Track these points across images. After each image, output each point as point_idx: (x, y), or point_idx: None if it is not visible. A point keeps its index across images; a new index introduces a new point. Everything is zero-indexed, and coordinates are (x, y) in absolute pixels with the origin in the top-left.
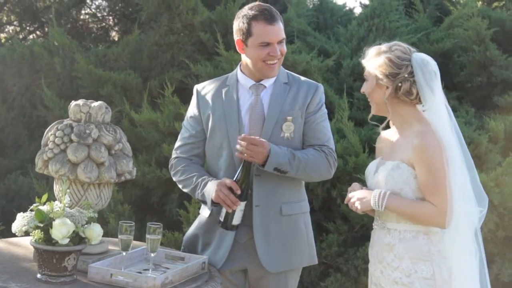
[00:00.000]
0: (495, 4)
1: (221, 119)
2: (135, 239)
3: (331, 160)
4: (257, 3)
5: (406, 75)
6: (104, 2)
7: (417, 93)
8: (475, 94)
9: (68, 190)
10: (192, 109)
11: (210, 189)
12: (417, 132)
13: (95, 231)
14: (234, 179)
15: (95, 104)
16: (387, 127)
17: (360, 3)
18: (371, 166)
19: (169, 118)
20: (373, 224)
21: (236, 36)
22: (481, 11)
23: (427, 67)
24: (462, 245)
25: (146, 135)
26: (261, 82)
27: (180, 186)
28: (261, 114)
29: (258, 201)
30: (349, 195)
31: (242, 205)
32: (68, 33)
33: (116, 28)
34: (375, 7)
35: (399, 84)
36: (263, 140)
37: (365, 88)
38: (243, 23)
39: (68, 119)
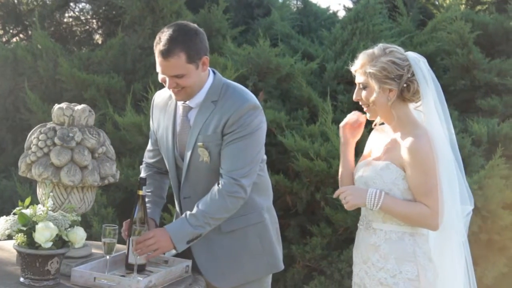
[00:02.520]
0: (478, 7)
1: (162, 136)
2: (118, 242)
3: (233, 193)
4: (176, 24)
5: (409, 75)
6: (87, 5)
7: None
8: (458, 97)
9: (51, 194)
10: (150, 119)
11: None
12: (410, 134)
13: (78, 235)
14: (134, 217)
15: (79, 107)
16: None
17: (344, 6)
18: (359, 166)
19: None
20: (358, 224)
21: None
22: (464, 15)
23: (421, 64)
24: (451, 247)
25: (130, 138)
26: (187, 103)
27: None
28: (185, 137)
29: None
30: (342, 188)
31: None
32: (52, 36)
33: (100, 31)
34: (359, 11)
35: (405, 85)
36: (152, 230)
37: (365, 95)
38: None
39: (51, 122)
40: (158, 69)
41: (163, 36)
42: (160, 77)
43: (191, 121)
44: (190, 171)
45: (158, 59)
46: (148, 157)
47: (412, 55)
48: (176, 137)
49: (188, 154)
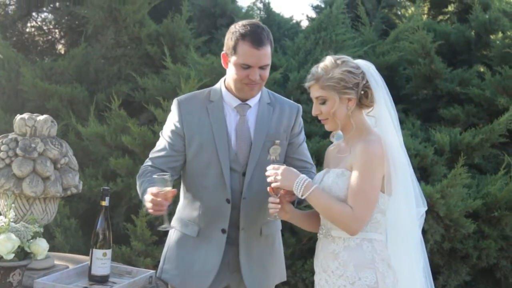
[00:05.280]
0: (440, 17)
1: (209, 137)
2: (81, 253)
3: None
4: (253, 21)
5: (364, 82)
6: (50, 15)
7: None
8: (421, 106)
9: (13, 205)
10: (173, 123)
11: (143, 195)
12: (365, 140)
13: (40, 246)
14: (97, 228)
15: (41, 117)
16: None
17: (307, 16)
18: (318, 176)
19: (116, 131)
20: (318, 234)
21: (224, 50)
22: (426, 25)
23: (372, 70)
24: (408, 252)
25: (93, 148)
26: (248, 102)
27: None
28: (247, 135)
29: (243, 224)
30: (277, 166)
31: (108, 253)
32: (14, 46)
33: (63, 41)
34: (322, 20)
35: (362, 92)
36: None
37: (326, 109)
38: (231, 39)
39: (13, 133)
40: (246, 60)
41: (250, 29)
42: (243, 73)
43: (250, 121)
44: (256, 170)
45: (248, 50)
46: (158, 163)
47: (362, 62)
48: (234, 136)
49: (256, 153)
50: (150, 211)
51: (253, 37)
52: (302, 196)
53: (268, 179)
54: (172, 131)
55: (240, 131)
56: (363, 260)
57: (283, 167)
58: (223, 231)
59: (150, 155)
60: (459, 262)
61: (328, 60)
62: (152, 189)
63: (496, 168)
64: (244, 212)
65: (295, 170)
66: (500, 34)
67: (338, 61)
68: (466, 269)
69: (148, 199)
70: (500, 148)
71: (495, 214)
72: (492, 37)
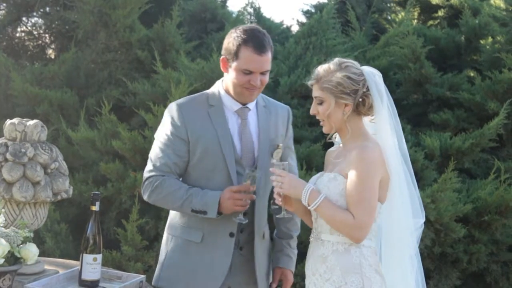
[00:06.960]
0: (430, 22)
1: (214, 142)
2: (71, 258)
3: None
4: (252, 26)
5: (365, 90)
6: (40, 20)
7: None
8: (411, 111)
9: (3, 210)
10: (174, 127)
11: (215, 198)
12: (360, 146)
13: (30, 251)
14: (87, 233)
15: (31, 122)
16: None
17: (297, 21)
18: (312, 179)
19: (106, 136)
20: (310, 237)
21: (223, 54)
22: (416, 29)
23: (377, 79)
24: (404, 261)
25: (83, 153)
26: (248, 105)
27: (160, 199)
28: (249, 138)
29: (256, 228)
30: (283, 172)
31: (98, 258)
32: (4, 51)
33: (53, 46)
34: (312, 25)
35: (360, 100)
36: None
37: (322, 110)
38: (233, 44)
39: (3, 138)
40: (249, 66)
41: (252, 34)
42: (244, 78)
43: (251, 124)
44: (263, 175)
45: (252, 56)
46: (164, 171)
47: (367, 69)
48: (237, 140)
49: (264, 157)
50: (239, 208)
51: (255, 43)
52: (309, 206)
53: (273, 184)
54: (174, 136)
55: (243, 135)
56: (350, 265)
57: (289, 174)
58: (231, 234)
59: (153, 165)
60: (449, 266)
61: (334, 62)
62: (235, 188)
63: (486, 173)
64: (258, 216)
65: (300, 179)
66: (490, 39)
67: (343, 65)
68: (457, 274)
69: (235, 197)
70: (490, 152)
71: (485, 219)
72: (482, 42)
